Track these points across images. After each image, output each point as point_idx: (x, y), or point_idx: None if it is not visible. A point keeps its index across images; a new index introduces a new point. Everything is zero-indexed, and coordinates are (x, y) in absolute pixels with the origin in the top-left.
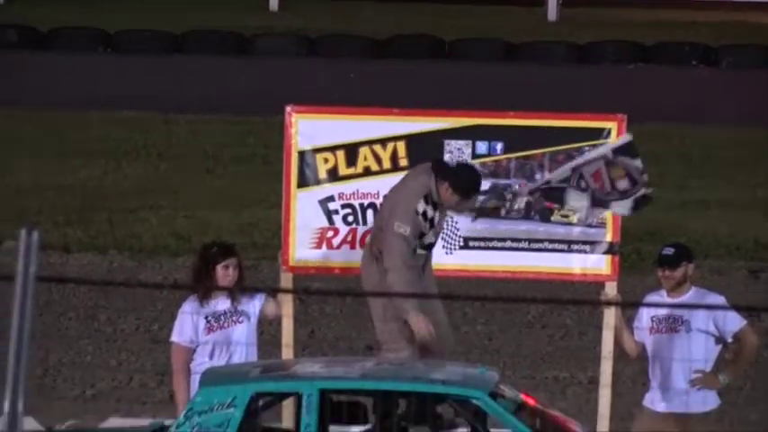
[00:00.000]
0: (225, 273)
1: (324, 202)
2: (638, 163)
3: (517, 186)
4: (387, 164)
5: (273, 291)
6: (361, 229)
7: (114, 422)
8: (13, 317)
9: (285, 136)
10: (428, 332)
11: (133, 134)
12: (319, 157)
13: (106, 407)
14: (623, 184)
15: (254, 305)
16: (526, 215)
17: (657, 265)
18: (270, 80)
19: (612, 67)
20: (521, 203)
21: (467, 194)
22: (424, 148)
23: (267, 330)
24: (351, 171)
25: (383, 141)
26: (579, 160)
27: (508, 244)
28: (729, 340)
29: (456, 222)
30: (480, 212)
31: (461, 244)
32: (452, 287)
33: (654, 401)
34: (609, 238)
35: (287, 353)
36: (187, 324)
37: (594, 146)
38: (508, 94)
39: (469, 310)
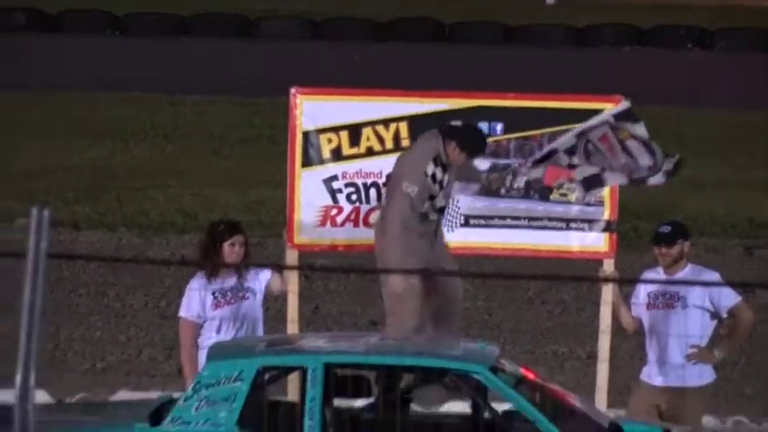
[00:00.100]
0: (231, 250)
1: (328, 182)
2: (641, 127)
3: (517, 165)
4: (389, 144)
5: (279, 267)
6: (364, 208)
7: (124, 395)
8: (24, 293)
9: (290, 117)
10: (401, 288)
11: (140, 115)
12: (323, 137)
13: (116, 380)
14: (644, 159)
15: (259, 281)
16: (525, 194)
17: (654, 242)
18: (275, 62)
19: (610, 49)
20: (520, 182)
21: (473, 152)
22: (425, 129)
23: (273, 306)
24: (354, 151)
25: (386, 122)
26: (583, 126)
27: (508, 222)
28: (724, 316)
29: (457, 201)
30: (490, 183)
31: (462, 222)
32: (458, 264)
33: (651, 375)
34: (606, 216)
35: (292, 328)
36: (195, 300)
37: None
38: (508, 76)
39: (470, 287)
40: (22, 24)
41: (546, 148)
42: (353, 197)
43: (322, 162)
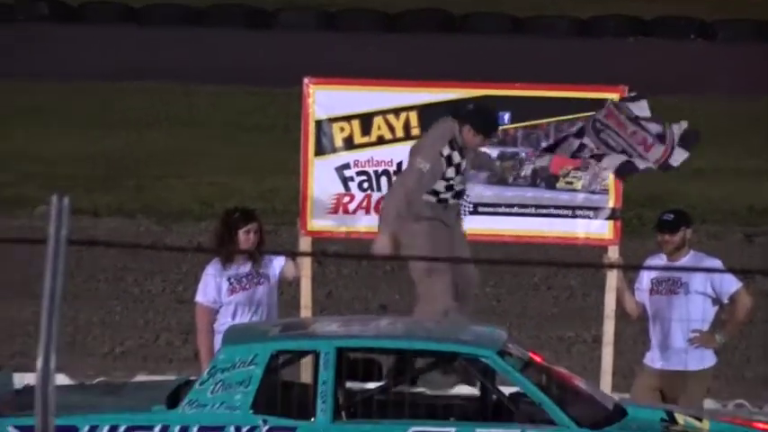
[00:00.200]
0: (246, 237)
1: (340, 170)
2: (643, 103)
3: (524, 154)
4: (400, 133)
5: (292, 254)
6: (375, 195)
7: (142, 378)
8: (45, 278)
9: (303, 106)
10: (378, 251)
11: (158, 104)
12: (336, 126)
13: (134, 364)
14: (654, 126)
15: (274, 267)
16: (532, 182)
17: (657, 229)
18: (289, 52)
19: (613, 40)
20: (527, 171)
21: (488, 133)
22: (435, 118)
23: (287, 291)
24: (365, 140)
25: (396, 111)
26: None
27: (515, 210)
28: (726, 301)
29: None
30: (503, 171)
31: (471, 210)
32: None
33: (654, 359)
34: (611, 204)
35: (305, 313)
36: (211, 285)
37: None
38: (515, 66)
39: (478, 273)
40: (45, 15)
41: (554, 137)
42: (365, 185)
43: (334, 150)
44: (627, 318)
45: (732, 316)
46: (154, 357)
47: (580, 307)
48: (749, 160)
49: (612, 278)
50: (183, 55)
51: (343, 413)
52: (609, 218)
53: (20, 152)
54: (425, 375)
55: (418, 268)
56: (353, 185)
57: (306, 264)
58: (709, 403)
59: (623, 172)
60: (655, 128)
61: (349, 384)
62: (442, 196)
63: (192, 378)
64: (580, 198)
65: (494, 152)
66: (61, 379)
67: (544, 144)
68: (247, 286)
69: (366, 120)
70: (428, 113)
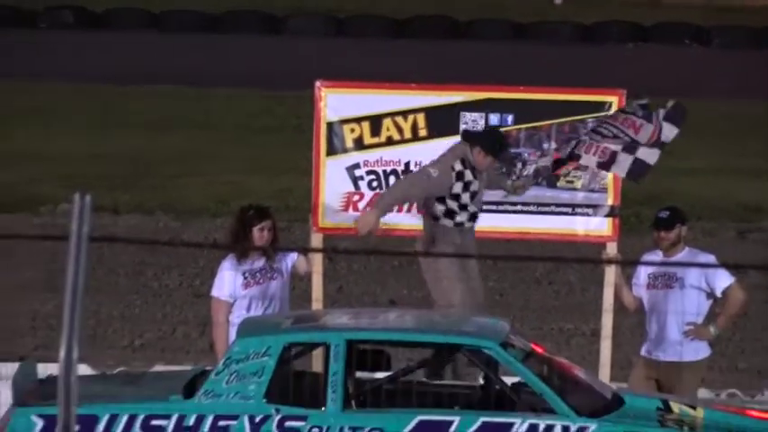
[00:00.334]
0: (261, 234)
1: (350, 169)
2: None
3: (527, 155)
4: (408, 134)
5: (305, 250)
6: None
7: (160, 369)
8: (67, 273)
9: (315, 109)
10: (362, 230)
11: (176, 106)
12: (346, 127)
13: (152, 355)
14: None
15: (286, 263)
16: (534, 182)
17: (654, 226)
18: (301, 57)
19: (614, 45)
20: (530, 170)
21: (497, 154)
22: (441, 120)
23: (299, 286)
24: (375, 140)
25: (404, 113)
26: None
27: (518, 207)
28: (719, 295)
29: None
30: (514, 189)
31: None
32: None
33: (650, 351)
34: (610, 201)
35: (316, 306)
36: (226, 280)
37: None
38: (518, 70)
39: (482, 268)
40: (69, 22)
41: (569, 146)
42: (374, 184)
43: (345, 151)
44: (624, 311)
45: (725, 309)
46: (171, 349)
47: (579, 301)
48: (743, 160)
49: (611, 273)
50: (198, 59)
51: (352, 402)
52: (607, 215)
53: (42, 152)
54: (431, 365)
55: (438, 287)
56: (363, 184)
57: (317, 259)
58: (703, 392)
59: (635, 175)
60: (640, 110)
61: (358, 375)
62: (458, 219)
63: (208, 368)
64: (580, 196)
65: None
66: (83, 369)
67: (546, 145)
68: (261, 281)
69: (375, 121)
70: (435, 115)
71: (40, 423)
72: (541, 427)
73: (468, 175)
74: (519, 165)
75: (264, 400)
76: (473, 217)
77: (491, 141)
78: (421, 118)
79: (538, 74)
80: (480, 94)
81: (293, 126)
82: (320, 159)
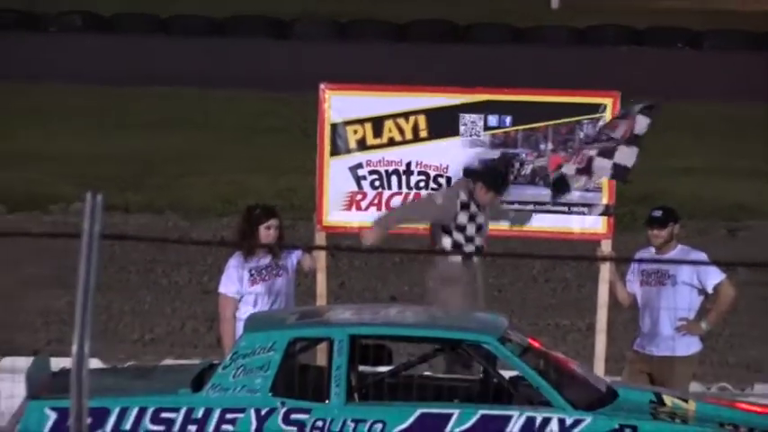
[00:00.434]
0: (267, 232)
1: (353, 169)
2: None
3: (524, 155)
4: (409, 135)
5: (309, 248)
6: (386, 193)
7: (169, 363)
8: (79, 270)
9: (319, 110)
10: (365, 243)
11: (183, 108)
12: (349, 128)
13: (162, 349)
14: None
15: (291, 260)
16: (531, 181)
17: (647, 225)
18: (305, 60)
19: (608, 48)
20: (527, 170)
21: (498, 190)
22: (441, 121)
23: (303, 282)
24: (377, 141)
25: (406, 115)
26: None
27: (516, 206)
28: (710, 291)
29: None
30: (520, 223)
31: None
32: None
33: (644, 345)
34: (605, 200)
35: (320, 302)
36: (233, 277)
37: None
38: (516, 73)
39: (481, 266)
40: (78, 26)
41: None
42: (376, 183)
43: (348, 151)
44: (619, 307)
45: (716, 305)
46: (180, 343)
47: (575, 297)
48: (733, 160)
49: (606, 270)
50: (205, 62)
51: (355, 395)
52: (602, 214)
53: (53, 151)
54: (431, 360)
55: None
56: (366, 184)
57: (321, 257)
58: (694, 386)
59: (619, 176)
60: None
61: (361, 369)
62: (466, 250)
63: (216, 363)
64: (576, 196)
65: (496, 153)
66: (95, 363)
67: (543, 146)
68: (267, 278)
69: (378, 123)
70: (435, 117)
71: (53, 415)
72: (538, 419)
73: (473, 208)
74: (517, 164)
75: (270, 394)
76: (479, 250)
77: (493, 177)
78: (422, 119)
79: (535, 76)
80: (479, 97)
81: (298, 127)
82: (324, 159)
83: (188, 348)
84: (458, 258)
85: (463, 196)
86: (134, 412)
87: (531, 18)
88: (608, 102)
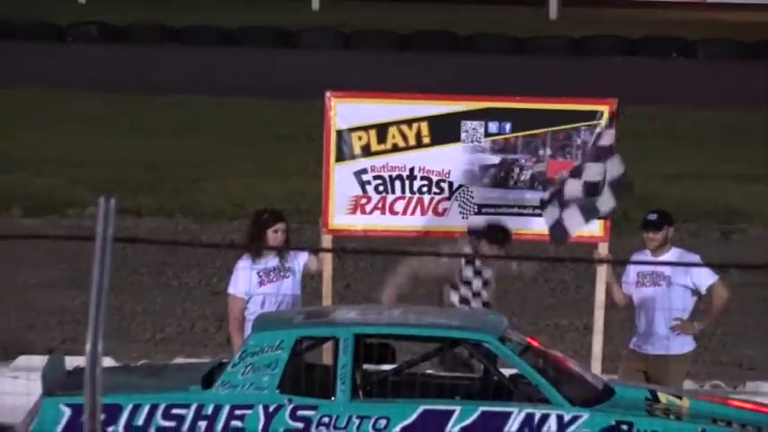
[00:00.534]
0: (275, 235)
1: (358, 174)
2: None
3: (523, 161)
4: (412, 141)
5: (315, 250)
6: (390, 198)
7: (180, 361)
8: (93, 272)
9: (325, 117)
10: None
11: (194, 115)
12: (354, 135)
13: (173, 349)
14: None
15: (298, 262)
16: (531, 185)
17: (643, 228)
18: (312, 69)
19: (605, 58)
20: (526, 175)
21: (502, 243)
22: (443, 128)
23: (309, 284)
24: (381, 147)
25: (409, 122)
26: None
27: (515, 210)
28: (704, 292)
29: (471, 191)
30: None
31: (476, 210)
32: None
33: (639, 345)
34: None
35: (326, 302)
36: (242, 278)
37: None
38: (516, 82)
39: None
40: (94, 36)
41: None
42: (380, 188)
43: (353, 157)
44: (615, 308)
45: (709, 306)
46: (191, 343)
47: (573, 298)
48: (726, 165)
49: (602, 272)
50: (216, 71)
51: (360, 392)
52: (599, 217)
53: (68, 158)
54: (433, 358)
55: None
56: (370, 188)
57: (327, 259)
58: (688, 384)
59: (558, 238)
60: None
61: (365, 367)
62: (474, 305)
63: (225, 361)
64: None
65: (496, 158)
66: (108, 362)
67: (541, 152)
68: (275, 279)
69: (382, 129)
70: (437, 124)
71: (67, 411)
72: (537, 416)
73: (478, 263)
74: (516, 170)
75: (278, 391)
76: (486, 306)
77: (495, 232)
78: (424, 126)
79: (534, 84)
80: (480, 104)
81: (305, 134)
82: (330, 165)
83: (198, 347)
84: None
85: (466, 250)
86: (146, 408)
87: (530, 28)
88: (604, 109)
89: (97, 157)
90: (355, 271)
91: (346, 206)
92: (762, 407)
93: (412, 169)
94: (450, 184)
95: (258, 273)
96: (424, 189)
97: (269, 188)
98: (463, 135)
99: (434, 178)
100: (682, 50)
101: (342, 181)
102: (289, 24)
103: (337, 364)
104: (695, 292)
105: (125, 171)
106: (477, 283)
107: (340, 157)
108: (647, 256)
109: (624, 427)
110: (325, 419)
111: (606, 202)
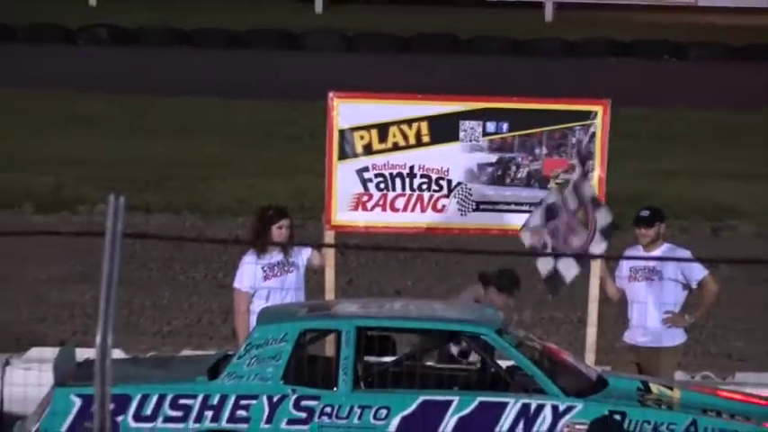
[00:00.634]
0: (279, 231)
1: (360, 172)
2: (587, 182)
3: (520, 159)
4: (412, 140)
5: (318, 245)
6: (390, 195)
7: (187, 353)
8: (103, 267)
9: (328, 117)
10: None
11: (201, 115)
12: (356, 134)
13: (180, 341)
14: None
15: (302, 257)
16: (527, 183)
17: (635, 224)
18: (315, 70)
19: (599, 59)
20: (523, 173)
21: (511, 291)
22: (443, 127)
23: (312, 278)
24: (382, 146)
25: (409, 122)
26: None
27: (512, 207)
28: (694, 286)
29: (470, 189)
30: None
31: (474, 207)
32: (469, 243)
33: (632, 337)
34: None
35: (329, 296)
36: (247, 273)
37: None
38: (513, 82)
39: (481, 262)
40: (105, 38)
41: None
42: (381, 185)
43: (355, 155)
44: (609, 301)
45: (700, 299)
46: (197, 335)
47: (568, 292)
48: (716, 163)
49: (596, 267)
50: (223, 72)
51: (361, 383)
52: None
53: (79, 156)
54: (433, 350)
55: None
56: (372, 186)
57: (330, 254)
58: (679, 375)
59: (554, 288)
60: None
61: (367, 358)
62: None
63: (231, 353)
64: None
65: (493, 157)
66: (117, 353)
67: (538, 150)
68: (279, 274)
69: (383, 129)
70: (437, 123)
71: (78, 402)
72: (533, 406)
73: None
74: (513, 168)
75: (282, 382)
76: None
77: (505, 281)
78: (424, 126)
79: (530, 85)
80: (478, 104)
81: (308, 133)
82: (332, 163)
83: (204, 340)
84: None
85: (476, 300)
86: (154, 399)
87: (527, 31)
88: (599, 109)
89: (106, 156)
90: (357, 266)
91: (348, 203)
92: (750, 397)
93: (412, 167)
94: (449, 181)
95: (263, 268)
96: (424, 186)
97: (273, 185)
98: (462, 134)
99: (434, 176)
100: (673, 53)
101: (344, 179)
102: (293, 27)
103: (340, 355)
104: (686, 286)
105: (134, 169)
106: None
107: (342, 156)
108: (639, 251)
109: (617, 416)
110: (328, 409)
111: (598, 245)
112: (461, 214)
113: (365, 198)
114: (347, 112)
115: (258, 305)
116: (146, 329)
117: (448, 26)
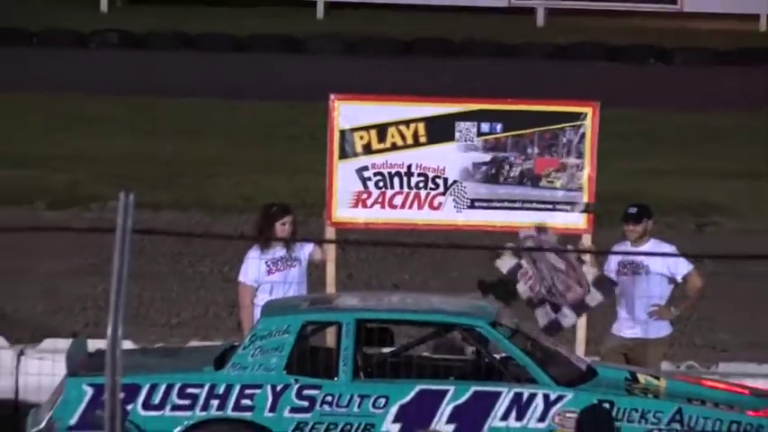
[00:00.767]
0: (282, 227)
1: (360, 171)
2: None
3: (513, 158)
4: (410, 140)
5: (320, 241)
6: (389, 193)
7: (194, 344)
8: (113, 261)
9: (329, 118)
10: None
11: (208, 116)
12: (356, 134)
13: (188, 332)
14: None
15: (304, 252)
16: (520, 181)
17: (624, 220)
18: (317, 73)
19: (588, 63)
20: (516, 172)
21: (508, 302)
22: (439, 128)
23: (314, 273)
24: (381, 146)
25: (407, 122)
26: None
27: (506, 204)
28: (680, 280)
29: (464, 187)
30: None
31: (468, 204)
32: (463, 238)
33: (620, 329)
34: (585, 199)
35: (330, 290)
36: (251, 267)
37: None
38: (506, 85)
39: (476, 257)
40: (115, 43)
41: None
42: (380, 184)
43: (355, 155)
44: None
45: (685, 293)
46: (204, 327)
47: None
48: (701, 162)
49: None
50: (228, 75)
51: (361, 374)
52: (583, 211)
53: (91, 155)
54: (429, 342)
55: None
56: (371, 184)
57: (330, 249)
58: (665, 365)
59: (552, 332)
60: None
61: (366, 349)
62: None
63: (236, 344)
64: (559, 194)
65: (487, 156)
66: (127, 344)
67: (530, 150)
68: (282, 268)
69: (382, 129)
70: (433, 124)
71: (89, 391)
72: (525, 395)
73: None
74: (506, 167)
75: (285, 372)
76: None
77: (502, 292)
78: (421, 126)
79: (523, 88)
80: (473, 106)
81: (309, 133)
82: (333, 162)
83: (211, 331)
84: None
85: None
86: (162, 388)
87: (519, 36)
88: (588, 111)
89: (117, 156)
90: (357, 261)
91: (348, 200)
92: (733, 386)
93: (410, 166)
94: (445, 180)
95: (266, 262)
96: (421, 185)
97: (277, 184)
98: (457, 135)
99: (430, 175)
100: (659, 57)
101: (344, 177)
102: (295, 32)
103: (340, 347)
104: (672, 280)
105: (143, 168)
106: None
107: (343, 155)
108: (627, 246)
109: (606, 405)
110: (329, 398)
111: (594, 297)
112: (457, 211)
113: (365, 196)
114: (347, 113)
115: (262, 298)
116: (155, 321)
117: (445, 31)
